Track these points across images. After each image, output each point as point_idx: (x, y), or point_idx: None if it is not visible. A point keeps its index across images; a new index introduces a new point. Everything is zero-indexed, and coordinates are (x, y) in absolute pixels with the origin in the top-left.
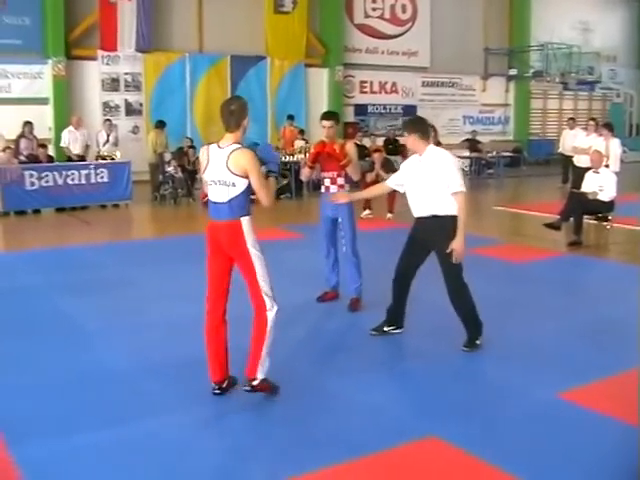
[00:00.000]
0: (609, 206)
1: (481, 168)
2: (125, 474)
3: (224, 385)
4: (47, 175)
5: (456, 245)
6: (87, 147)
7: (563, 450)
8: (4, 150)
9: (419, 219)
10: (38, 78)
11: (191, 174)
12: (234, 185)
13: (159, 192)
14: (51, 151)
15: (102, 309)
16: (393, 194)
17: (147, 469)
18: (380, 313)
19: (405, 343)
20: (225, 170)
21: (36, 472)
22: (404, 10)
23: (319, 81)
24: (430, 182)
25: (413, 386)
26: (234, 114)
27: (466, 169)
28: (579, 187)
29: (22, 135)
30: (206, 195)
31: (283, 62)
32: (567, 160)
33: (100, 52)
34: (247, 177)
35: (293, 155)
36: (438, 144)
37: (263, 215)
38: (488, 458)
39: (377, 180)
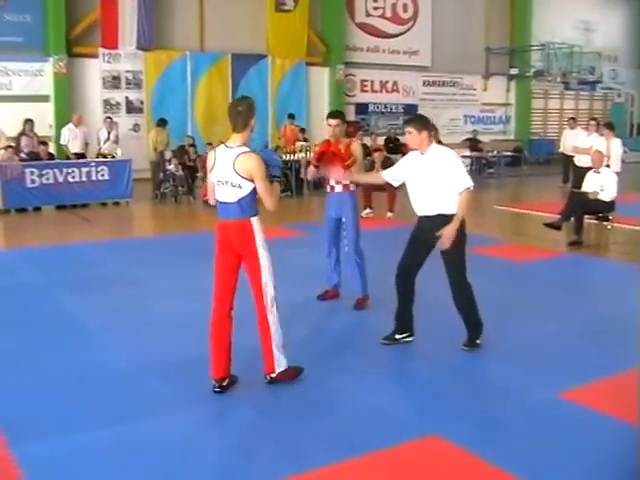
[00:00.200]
0: (610, 206)
1: (482, 167)
2: (125, 473)
3: (224, 383)
4: (48, 172)
5: (447, 231)
6: (86, 145)
7: (563, 450)
8: (5, 148)
9: (423, 217)
10: (39, 76)
11: (192, 172)
12: (240, 187)
13: (160, 190)
14: (52, 149)
15: (102, 307)
16: (393, 193)
17: (147, 468)
18: (383, 312)
19: (407, 342)
20: (232, 171)
21: (37, 471)
22: (405, 9)
23: (320, 80)
24: (435, 181)
25: (414, 385)
26: (241, 114)
27: (467, 168)
28: (580, 187)
29: (23, 132)
30: (206, 194)
31: (284, 61)
32: (568, 160)
33: (101, 50)
34: (253, 180)
35: (294, 154)
36: (439, 143)
37: (264, 214)
38: (488, 457)
39: None
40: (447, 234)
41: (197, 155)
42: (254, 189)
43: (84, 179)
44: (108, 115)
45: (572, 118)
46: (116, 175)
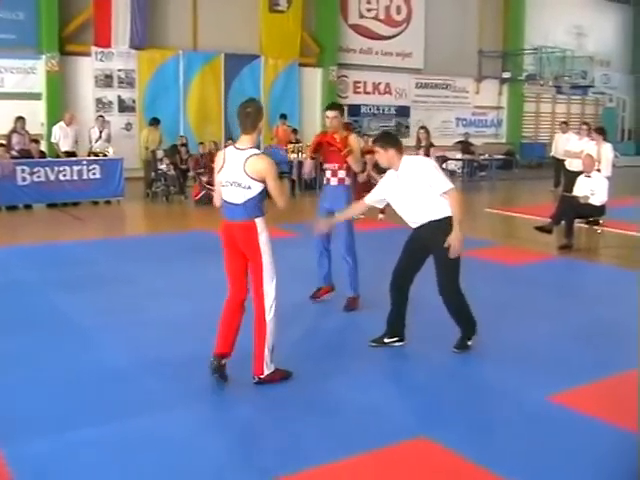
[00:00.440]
0: (600, 210)
1: (473, 170)
2: (123, 471)
3: (222, 362)
4: (39, 170)
5: (452, 239)
6: (77, 144)
7: (554, 453)
8: None
9: (416, 228)
10: (31, 73)
11: (183, 172)
12: (249, 188)
13: (151, 189)
14: (43, 146)
15: (97, 306)
16: None
17: (145, 466)
18: (376, 313)
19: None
20: (242, 173)
21: (32, 471)
22: (399, 11)
23: (313, 81)
24: (416, 193)
25: (405, 386)
26: (250, 116)
27: (458, 171)
28: (571, 191)
29: (14, 130)
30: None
31: (277, 61)
32: (559, 164)
33: (94, 48)
34: (263, 181)
35: (287, 154)
36: (431, 145)
37: None
38: (478, 459)
39: (369, 181)
40: (454, 241)
41: (189, 155)
42: (263, 190)
43: (75, 177)
44: (100, 114)
45: (564, 122)
46: (108, 174)
